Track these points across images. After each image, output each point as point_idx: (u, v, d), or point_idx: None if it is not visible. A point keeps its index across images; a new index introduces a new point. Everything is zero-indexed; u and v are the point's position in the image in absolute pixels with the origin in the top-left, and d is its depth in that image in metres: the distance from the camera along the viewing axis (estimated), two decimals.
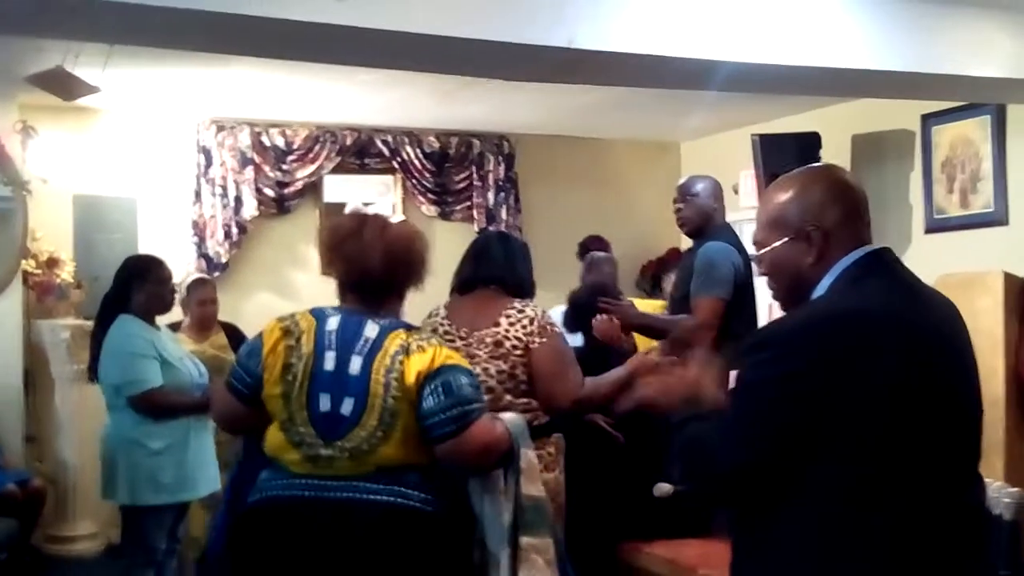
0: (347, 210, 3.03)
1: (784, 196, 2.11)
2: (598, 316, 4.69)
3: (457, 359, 2.87)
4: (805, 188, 2.10)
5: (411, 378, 2.73)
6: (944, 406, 1.97)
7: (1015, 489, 3.22)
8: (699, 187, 4.86)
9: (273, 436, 2.81)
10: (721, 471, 1.97)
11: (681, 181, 4.98)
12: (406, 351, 2.76)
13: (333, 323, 2.83)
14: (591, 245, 6.96)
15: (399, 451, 2.74)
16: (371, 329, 2.81)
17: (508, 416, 3.04)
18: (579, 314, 4.87)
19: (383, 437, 2.73)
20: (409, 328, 2.87)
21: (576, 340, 4.69)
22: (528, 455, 2.99)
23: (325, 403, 2.75)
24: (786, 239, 2.08)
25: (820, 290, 2.05)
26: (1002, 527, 3.17)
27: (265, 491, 2.81)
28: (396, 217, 3.00)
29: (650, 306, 6.18)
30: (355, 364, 2.76)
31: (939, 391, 1.96)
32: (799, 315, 2.03)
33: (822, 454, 1.87)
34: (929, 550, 1.90)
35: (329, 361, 2.78)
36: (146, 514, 4.47)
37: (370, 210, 2.98)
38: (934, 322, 2.04)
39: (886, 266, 2.08)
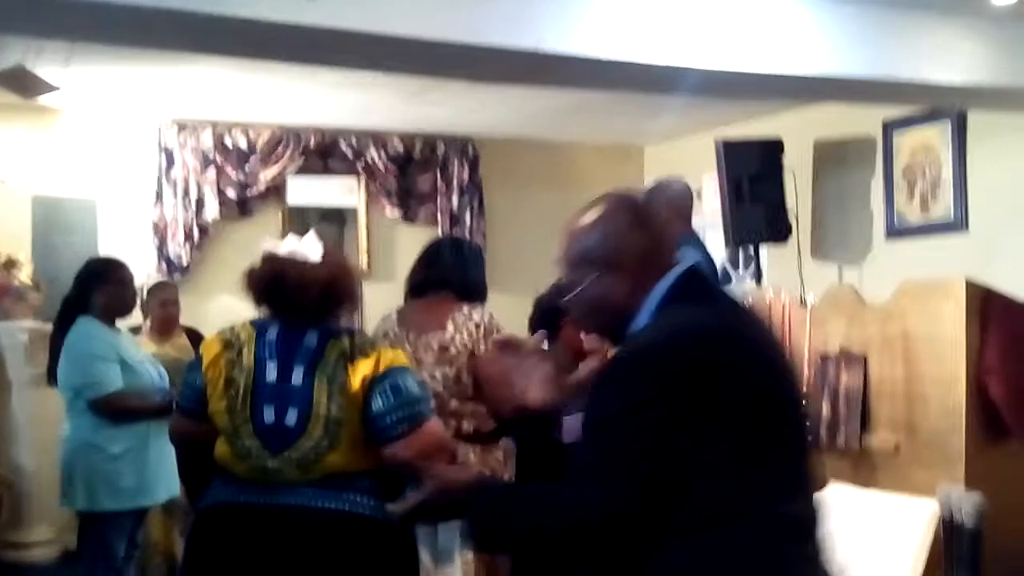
0: (263, 249, 2.92)
1: (586, 232, 2.03)
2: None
3: (402, 360, 2.86)
4: (606, 219, 2.02)
5: (356, 384, 2.73)
6: (790, 411, 1.97)
7: (976, 495, 3.24)
8: (669, 195, 4.84)
9: (221, 448, 2.81)
10: (597, 518, 1.79)
11: (647, 188, 4.96)
12: (349, 357, 2.75)
13: (273, 333, 2.81)
14: None
15: (346, 458, 2.73)
16: (311, 338, 2.79)
17: None
18: (545, 318, 4.85)
19: (329, 446, 2.72)
20: (351, 333, 2.85)
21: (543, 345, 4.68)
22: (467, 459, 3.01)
23: (269, 415, 2.74)
24: (596, 275, 1.99)
25: (643, 318, 1.96)
26: (964, 534, 3.20)
27: (216, 497, 2.81)
28: (315, 250, 2.86)
29: None
30: (297, 374, 2.75)
31: (785, 397, 1.96)
32: (641, 344, 1.92)
33: (695, 475, 1.79)
34: (803, 555, 1.89)
35: (271, 372, 2.76)
36: (105, 520, 4.42)
37: (284, 248, 2.88)
38: (763, 333, 2.02)
39: (704, 283, 2.02)
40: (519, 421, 3.76)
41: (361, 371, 2.73)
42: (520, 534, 1.91)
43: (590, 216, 2.05)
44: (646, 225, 2.02)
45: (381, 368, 2.75)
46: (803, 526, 1.91)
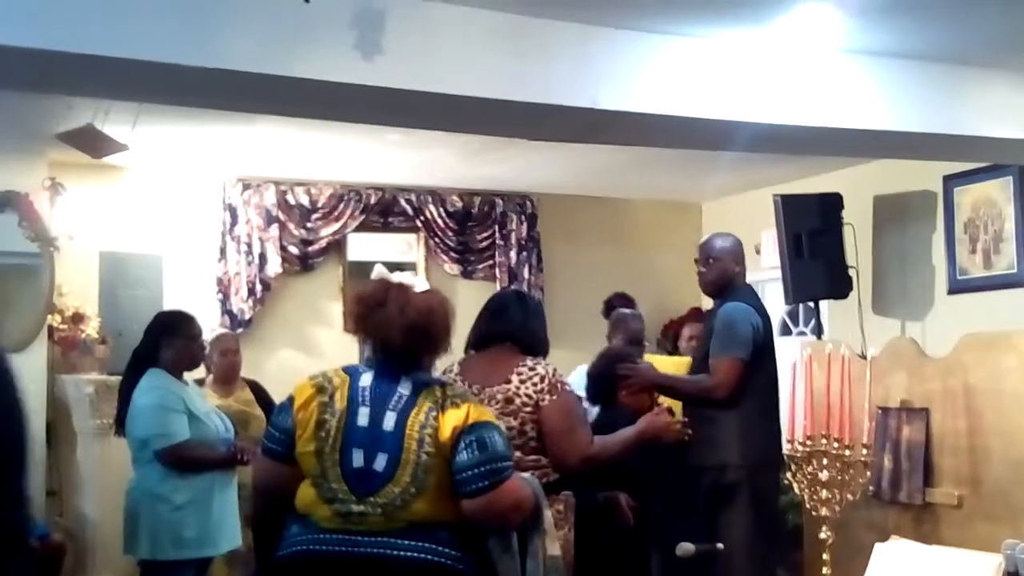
0: (373, 275, 3.04)
1: None
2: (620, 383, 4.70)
3: (490, 416, 2.88)
4: None
5: (446, 433, 2.74)
6: None
7: None
8: (720, 248, 4.87)
9: (305, 492, 2.81)
10: None
11: (703, 240, 4.99)
12: (441, 407, 2.78)
13: (366, 380, 2.85)
14: (616, 302, 6.94)
15: (431, 507, 2.74)
16: (405, 386, 2.83)
17: (525, 476, 3.05)
18: (598, 386, 4.85)
19: (416, 493, 2.72)
20: (443, 384, 2.88)
21: (593, 412, 4.71)
22: (547, 514, 3.00)
23: (358, 459, 2.75)
24: None
25: None
26: None
27: (294, 545, 2.80)
28: (421, 284, 2.97)
29: (673, 363, 6.17)
30: (389, 420, 2.77)
31: None
32: None
33: None
34: None
35: (363, 417, 2.79)
36: (167, 569, 4.48)
37: (396, 277, 2.98)
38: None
39: None
40: (581, 474, 3.78)
41: (451, 421, 2.75)
42: None
43: None
44: None
45: (470, 420, 2.77)
46: None
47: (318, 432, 2.78)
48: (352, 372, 2.89)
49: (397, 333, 2.84)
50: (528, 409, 3.57)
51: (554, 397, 3.59)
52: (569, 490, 3.73)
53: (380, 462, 2.74)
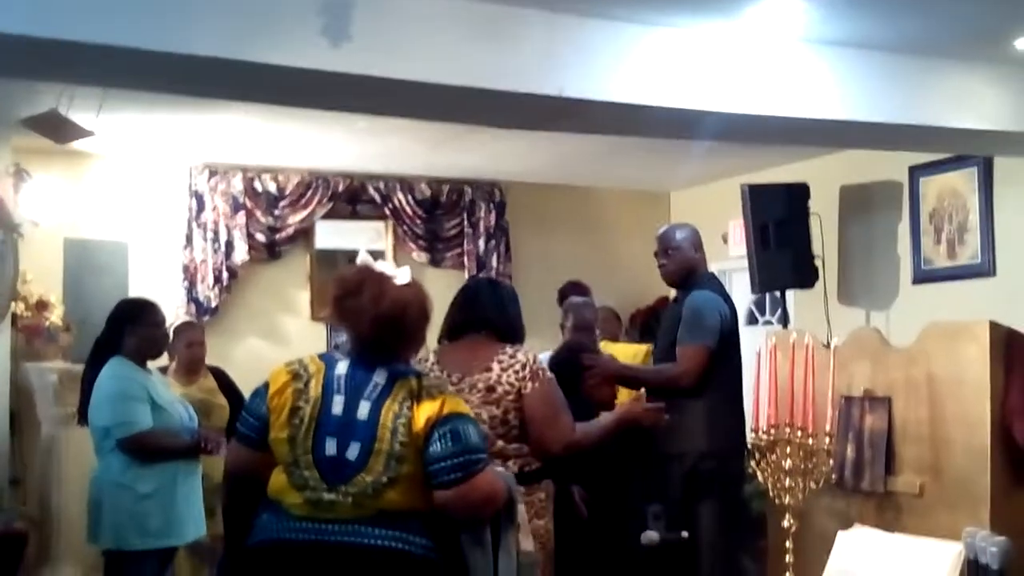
0: (358, 260, 3.01)
1: None
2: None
3: (465, 408, 2.87)
4: None
5: (420, 424, 2.73)
6: None
7: (1001, 538, 3.22)
8: (679, 239, 4.85)
9: (276, 479, 2.80)
10: None
11: (660, 231, 4.93)
12: (416, 397, 2.76)
13: (342, 368, 2.83)
14: (569, 290, 6.89)
15: (403, 497, 2.73)
16: (380, 375, 2.81)
17: (498, 470, 3.05)
18: (560, 375, 4.85)
19: (388, 483, 2.71)
20: (419, 375, 2.86)
21: None
22: (520, 509, 3.00)
23: (331, 447, 2.74)
24: None
25: None
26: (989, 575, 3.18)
27: (265, 533, 2.79)
28: (404, 276, 2.92)
29: (633, 351, 6.19)
30: (363, 409, 2.76)
31: None
32: None
33: None
34: None
35: (337, 405, 2.77)
36: (131, 559, 4.43)
37: (378, 266, 2.95)
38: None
39: None
40: (562, 461, 3.78)
41: (426, 412, 2.74)
42: None
43: None
44: None
45: (445, 411, 2.75)
46: None
47: (291, 419, 2.77)
48: (328, 360, 2.87)
49: (367, 324, 2.82)
50: (510, 397, 3.57)
51: (536, 384, 3.59)
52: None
53: (353, 451, 2.73)
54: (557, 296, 6.94)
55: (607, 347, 6.06)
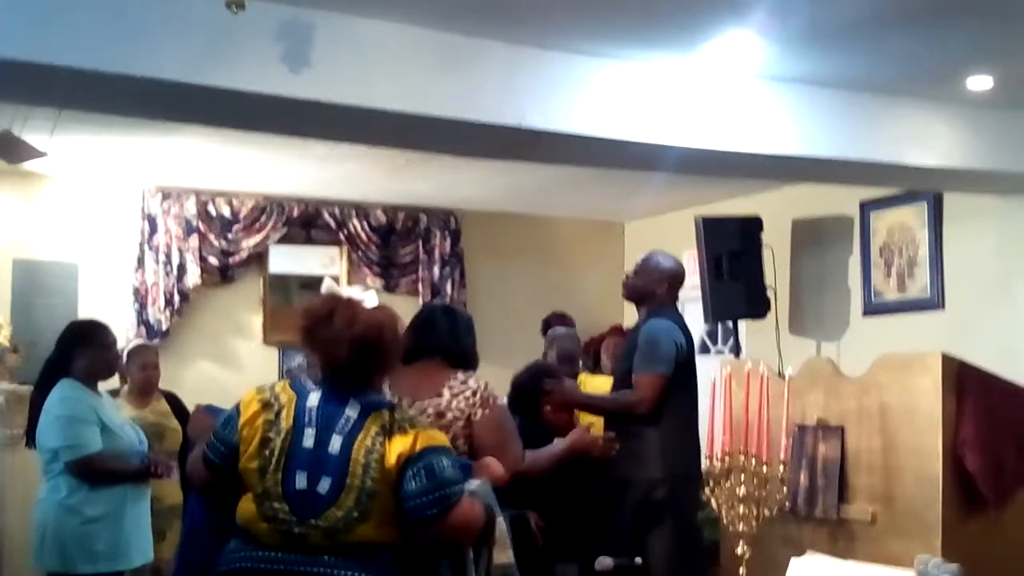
0: (323, 289, 2.99)
1: None
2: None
3: (439, 440, 2.83)
4: None
5: (392, 460, 2.70)
6: None
7: (953, 565, 3.26)
8: (656, 261, 4.91)
9: (245, 507, 2.76)
10: None
11: (645, 255, 5.01)
12: (388, 432, 2.74)
13: (314, 400, 2.79)
14: (553, 321, 6.94)
15: (375, 532, 2.71)
16: (353, 408, 2.78)
17: (477, 484, 3.02)
18: (520, 397, 4.86)
19: (359, 518, 2.69)
20: (392, 408, 2.83)
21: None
22: (499, 522, 2.98)
23: (301, 481, 2.70)
24: None
25: None
26: None
27: (233, 563, 2.76)
28: (371, 300, 2.91)
29: (605, 383, 6.20)
30: (335, 443, 2.73)
31: None
32: None
33: None
34: None
35: (308, 438, 2.74)
36: None
37: (345, 292, 2.94)
38: None
39: None
40: (514, 488, 3.78)
41: (397, 448, 2.71)
42: None
43: None
44: None
45: (418, 447, 2.73)
46: None
47: (262, 450, 2.74)
48: (299, 390, 2.83)
49: (344, 349, 2.79)
50: (460, 423, 3.56)
51: (486, 411, 3.58)
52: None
53: (324, 485, 2.70)
54: (541, 326, 7.00)
55: (588, 379, 6.09)
